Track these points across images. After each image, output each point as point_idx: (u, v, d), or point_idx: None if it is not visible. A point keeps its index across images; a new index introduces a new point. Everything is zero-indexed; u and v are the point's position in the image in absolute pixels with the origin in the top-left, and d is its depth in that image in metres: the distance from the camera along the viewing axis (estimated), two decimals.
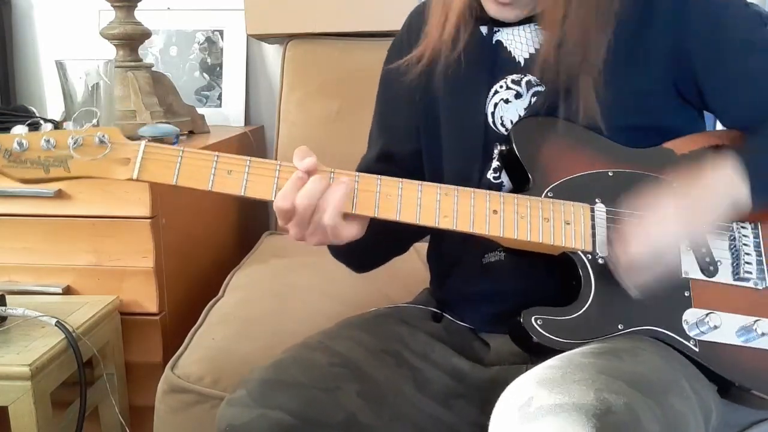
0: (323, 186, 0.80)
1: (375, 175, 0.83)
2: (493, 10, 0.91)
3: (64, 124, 0.81)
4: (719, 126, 1.02)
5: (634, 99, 0.90)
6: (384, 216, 0.82)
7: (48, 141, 0.79)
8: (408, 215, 0.82)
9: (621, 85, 0.89)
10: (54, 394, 1.15)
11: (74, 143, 0.79)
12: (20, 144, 0.78)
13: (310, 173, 0.81)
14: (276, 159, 1.79)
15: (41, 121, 0.82)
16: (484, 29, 0.95)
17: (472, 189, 0.84)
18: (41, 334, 1.17)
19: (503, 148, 0.92)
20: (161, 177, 0.81)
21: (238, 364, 1.10)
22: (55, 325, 1.17)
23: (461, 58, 0.94)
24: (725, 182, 0.84)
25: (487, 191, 0.85)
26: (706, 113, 0.99)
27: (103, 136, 0.80)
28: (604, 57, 0.88)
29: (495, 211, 0.83)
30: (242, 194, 0.81)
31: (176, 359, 1.15)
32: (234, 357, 1.13)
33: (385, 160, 1.01)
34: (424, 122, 1.00)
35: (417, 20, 1.04)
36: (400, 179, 0.83)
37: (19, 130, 0.80)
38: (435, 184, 0.84)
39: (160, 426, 1.13)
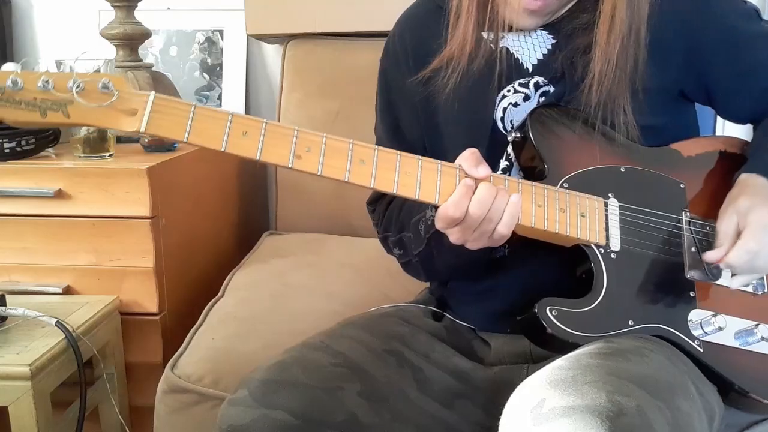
0: (494, 194, 0.79)
1: (395, 151, 0.81)
2: (516, 20, 0.90)
3: (62, 66, 0.74)
4: (719, 124, 1.03)
5: (637, 99, 0.91)
6: (402, 193, 0.80)
7: (46, 82, 0.71)
8: (427, 194, 0.80)
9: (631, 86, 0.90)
10: (54, 394, 1.15)
11: (76, 87, 0.71)
12: (15, 82, 0.70)
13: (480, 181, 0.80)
14: None
15: (38, 60, 0.75)
16: (489, 35, 0.94)
17: (491, 173, 0.82)
18: (41, 334, 1.17)
19: (517, 135, 0.92)
20: (171, 131, 0.74)
21: (238, 364, 1.10)
22: (55, 325, 1.17)
23: (467, 65, 0.93)
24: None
25: (506, 176, 0.85)
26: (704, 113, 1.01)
27: (108, 82, 0.73)
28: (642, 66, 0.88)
29: None
30: (257, 158, 0.76)
31: (176, 359, 1.15)
32: (234, 357, 1.13)
33: None
34: (428, 131, 1.00)
35: (413, 28, 1.03)
36: (420, 157, 0.81)
37: (11, 67, 0.71)
38: (454, 165, 0.82)
39: (160, 426, 1.13)
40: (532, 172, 0.91)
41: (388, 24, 1.08)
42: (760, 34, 0.94)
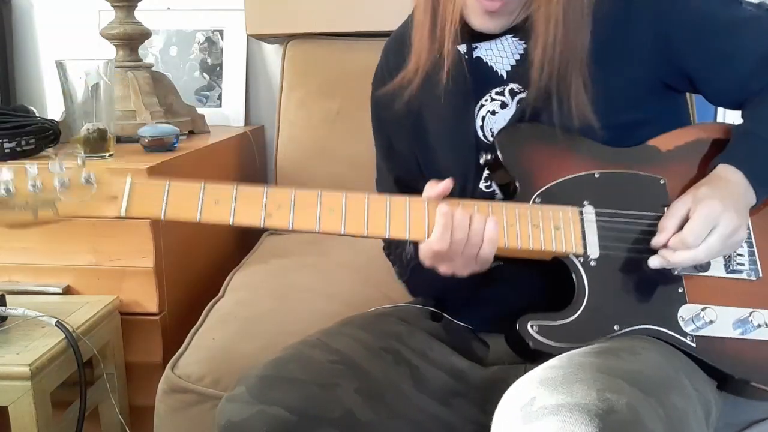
0: (468, 216, 0.81)
1: (363, 193, 0.83)
2: (478, 22, 0.91)
3: (50, 164, 0.81)
4: (720, 117, 1.03)
5: (622, 95, 0.91)
6: (373, 234, 0.82)
7: (34, 185, 0.79)
8: (397, 231, 0.82)
9: (608, 83, 0.90)
10: (54, 394, 1.15)
11: (60, 185, 0.80)
12: (8, 191, 0.79)
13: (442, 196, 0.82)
14: (276, 159, 1.81)
15: (27, 168, 0.82)
16: (462, 48, 0.95)
17: (459, 200, 0.84)
18: (41, 334, 1.17)
19: (488, 156, 0.93)
20: (149, 212, 0.81)
21: (238, 364, 1.09)
22: (55, 325, 1.17)
23: (444, 79, 0.94)
24: (744, 192, 0.86)
25: (476, 201, 0.85)
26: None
27: (89, 176, 0.81)
28: (587, 54, 0.89)
29: None
30: (231, 223, 0.81)
31: (176, 359, 1.15)
32: (234, 357, 1.13)
33: (404, 188, 1.02)
34: (417, 146, 1.02)
35: (395, 49, 1.05)
36: (387, 195, 0.84)
37: (4, 175, 0.80)
38: (422, 199, 0.83)
39: (160, 426, 1.13)
40: (508, 190, 0.91)
41: (388, 24, 1.09)
42: (734, 18, 0.92)
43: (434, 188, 0.83)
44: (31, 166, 0.81)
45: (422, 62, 0.95)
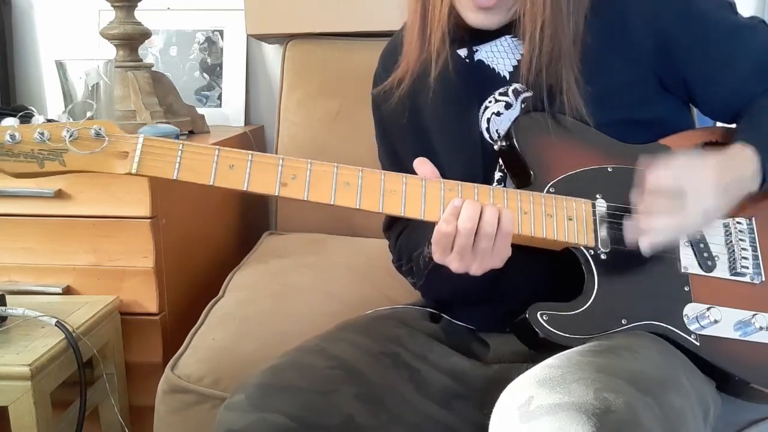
0: (478, 208, 0.80)
1: (379, 171, 0.83)
2: (473, 19, 0.90)
3: (58, 116, 0.78)
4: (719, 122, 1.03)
5: (618, 94, 0.91)
6: (388, 211, 0.82)
7: (42, 134, 0.75)
8: (413, 211, 0.82)
9: (604, 82, 0.90)
10: (54, 394, 1.15)
11: (69, 136, 0.76)
12: (12, 136, 0.75)
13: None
14: None
15: (34, 112, 0.79)
16: (462, 52, 0.95)
17: (474, 184, 0.84)
18: (41, 334, 1.17)
19: (504, 143, 0.93)
20: (161, 171, 0.78)
21: (239, 364, 1.10)
22: (55, 325, 1.17)
23: (445, 83, 0.94)
24: (750, 169, 0.85)
25: (491, 186, 0.86)
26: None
27: (100, 128, 0.77)
28: (581, 49, 0.89)
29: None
30: (245, 189, 0.79)
31: (176, 359, 1.15)
32: (234, 357, 1.13)
33: None
34: (421, 150, 1.01)
35: (389, 53, 1.06)
36: (404, 174, 0.83)
37: (10, 122, 0.76)
38: (438, 179, 0.84)
39: (160, 426, 1.13)
40: (522, 179, 0.91)
41: (388, 24, 1.09)
42: (732, 24, 0.93)
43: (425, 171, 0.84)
44: (38, 116, 0.77)
45: (411, 64, 0.96)
